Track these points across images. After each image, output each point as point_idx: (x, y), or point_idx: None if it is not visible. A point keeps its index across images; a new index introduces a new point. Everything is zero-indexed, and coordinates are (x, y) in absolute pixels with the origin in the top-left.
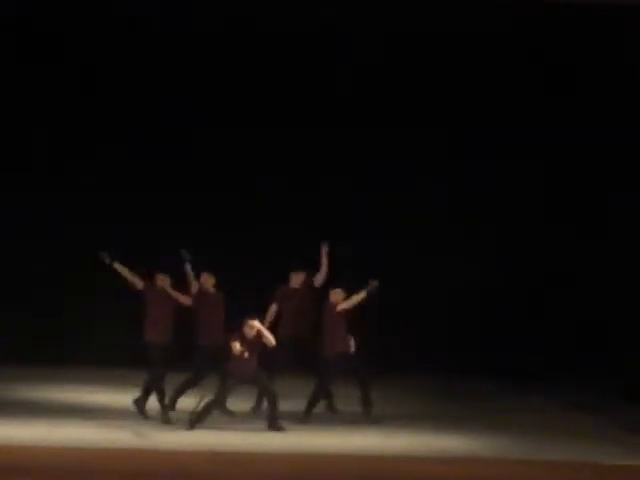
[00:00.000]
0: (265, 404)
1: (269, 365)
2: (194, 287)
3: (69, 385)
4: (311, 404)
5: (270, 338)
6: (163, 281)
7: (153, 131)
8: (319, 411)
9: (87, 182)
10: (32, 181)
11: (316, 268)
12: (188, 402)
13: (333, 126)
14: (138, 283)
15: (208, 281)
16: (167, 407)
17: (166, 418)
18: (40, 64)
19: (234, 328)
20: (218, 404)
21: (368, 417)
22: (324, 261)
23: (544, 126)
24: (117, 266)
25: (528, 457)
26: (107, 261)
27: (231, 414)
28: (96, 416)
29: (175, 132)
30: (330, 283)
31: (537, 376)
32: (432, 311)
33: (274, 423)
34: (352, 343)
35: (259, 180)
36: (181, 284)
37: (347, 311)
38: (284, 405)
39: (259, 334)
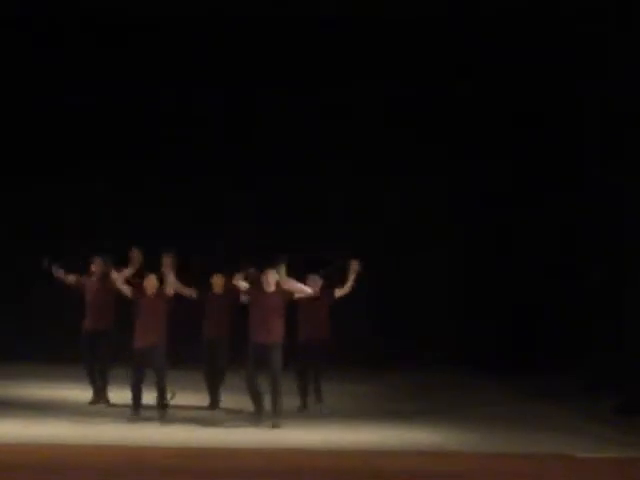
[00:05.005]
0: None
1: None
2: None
3: (41, 381)
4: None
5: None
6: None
7: None
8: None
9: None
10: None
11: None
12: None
13: None
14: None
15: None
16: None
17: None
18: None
19: None
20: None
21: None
22: (351, 277)
23: None
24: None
25: (500, 450)
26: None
27: None
28: (69, 412)
29: None
30: None
31: (508, 369)
32: (404, 304)
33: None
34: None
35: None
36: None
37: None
38: None
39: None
